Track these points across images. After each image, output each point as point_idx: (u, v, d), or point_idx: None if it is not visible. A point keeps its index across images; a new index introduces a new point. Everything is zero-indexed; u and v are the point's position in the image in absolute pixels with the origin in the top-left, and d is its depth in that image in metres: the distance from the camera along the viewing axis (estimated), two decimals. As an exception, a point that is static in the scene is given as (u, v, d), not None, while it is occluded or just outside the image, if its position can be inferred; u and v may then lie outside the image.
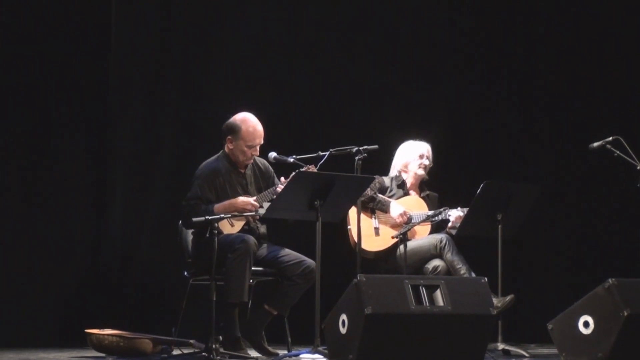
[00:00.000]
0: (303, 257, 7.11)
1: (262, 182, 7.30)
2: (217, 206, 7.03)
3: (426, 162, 7.92)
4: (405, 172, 7.95)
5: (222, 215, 6.78)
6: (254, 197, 7.11)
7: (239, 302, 6.91)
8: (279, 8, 9.15)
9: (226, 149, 7.23)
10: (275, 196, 6.99)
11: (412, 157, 7.94)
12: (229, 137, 7.19)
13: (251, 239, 6.95)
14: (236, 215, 6.99)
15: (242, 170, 7.25)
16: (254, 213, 7.03)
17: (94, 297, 8.47)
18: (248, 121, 7.21)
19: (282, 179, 7.09)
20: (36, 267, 8.32)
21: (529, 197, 7.63)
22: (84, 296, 8.46)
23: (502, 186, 7.59)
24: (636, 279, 6.65)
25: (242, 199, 7.08)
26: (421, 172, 7.91)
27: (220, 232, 6.73)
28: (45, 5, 8.44)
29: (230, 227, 7.07)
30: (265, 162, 7.35)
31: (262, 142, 7.20)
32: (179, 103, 8.88)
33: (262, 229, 7.24)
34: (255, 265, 7.03)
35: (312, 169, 7.02)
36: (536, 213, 7.84)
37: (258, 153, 7.22)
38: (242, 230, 7.10)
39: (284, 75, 9.14)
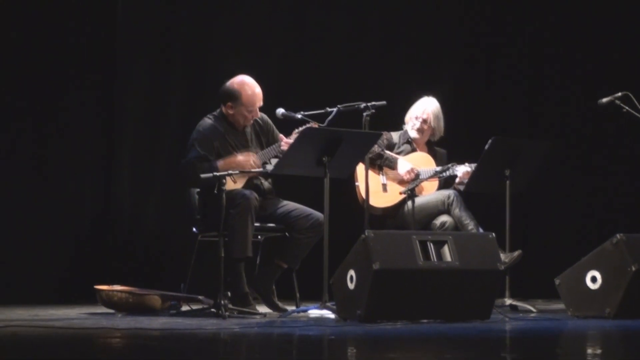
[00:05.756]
0: (311, 210, 7.10)
1: (263, 138, 7.25)
2: (220, 163, 6.98)
3: (418, 124, 7.84)
4: (408, 129, 7.95)
5: (231, 172, 6.72)
6: (256, 153, 7.08)
7: (244, 257, 6.91)
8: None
9: (224, 111, 7.15)
10: (279, 152, 6.97)
11: (409, 116, 7.90)
12: (229, 103, 7.10)
13: (252, 194, 6.92)
14: (245, 172, 6.96)
15: (240, 129, 7.21)
16: (261, 170, 7.02)
17: (103, 254, 8.50)
18: (246, 85, 7.12)
19: (282, 136, 7.07)
20: (46, 224, 8.33)
21: (538, 153, 7.60)
22: (93, 253, 8.48)
23: (511, 142, 7.56)
24: (644, 234, 6.67)
25: (241, 155, 7.04)
26: (414, 134, 7.84)
27: (224, 187, 6.72)
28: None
29: (233, 184, 7.03)
30: (264, 115, 7.28)
31: (262, 103, 7.15)
32: (186, 64, 8.84)
33: (267, 183, 7.21)
34: (263, 221, 7.04)
35: (315, 125, 6.99)
36: (544, 169, 7.82)
37: (259, 115, 7.18)
38: (247, 186, 7.06)
39: (292, 31, 9.09)
